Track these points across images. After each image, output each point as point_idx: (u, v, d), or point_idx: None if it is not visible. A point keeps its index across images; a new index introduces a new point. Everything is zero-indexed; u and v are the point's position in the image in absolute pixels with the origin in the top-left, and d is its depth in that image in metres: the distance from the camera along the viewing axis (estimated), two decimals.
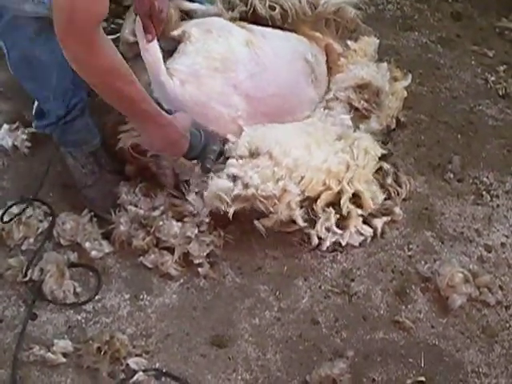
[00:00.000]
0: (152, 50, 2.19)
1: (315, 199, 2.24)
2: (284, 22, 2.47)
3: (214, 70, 2.23)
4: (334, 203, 2.26)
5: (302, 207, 2.22)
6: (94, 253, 2.22)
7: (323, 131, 2.36)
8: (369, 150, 2.35)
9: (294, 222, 2.21)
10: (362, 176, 2.31)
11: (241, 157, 2.21)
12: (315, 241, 2.23)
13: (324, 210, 2.24)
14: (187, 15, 2.39)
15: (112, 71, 1.77)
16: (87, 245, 2.22)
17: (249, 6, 2.45)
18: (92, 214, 2.30)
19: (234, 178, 2.16)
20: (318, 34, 2.56)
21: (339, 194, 2.26)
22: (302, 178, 2.21)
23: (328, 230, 2.23)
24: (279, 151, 2.20)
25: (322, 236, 2.23)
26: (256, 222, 2.19)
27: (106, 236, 2.26)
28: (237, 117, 2.26)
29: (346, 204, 2.25)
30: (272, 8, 2.44)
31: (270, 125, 2.31)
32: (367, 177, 2.33)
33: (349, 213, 2.25)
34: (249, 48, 2.29)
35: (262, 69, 2.30)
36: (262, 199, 2.14)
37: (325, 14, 2.53)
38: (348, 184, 2.26)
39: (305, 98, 2.47)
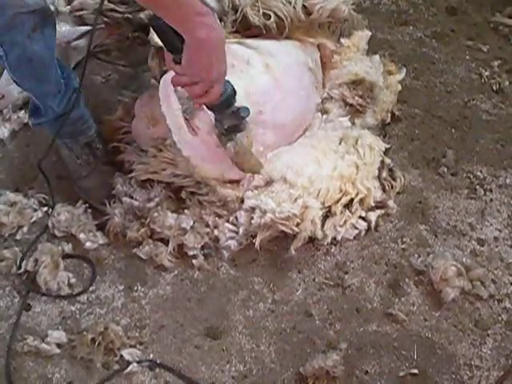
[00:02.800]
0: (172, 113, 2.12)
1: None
2: (281, 33, 2.43)
3: None
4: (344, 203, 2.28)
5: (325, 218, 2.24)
6: (88, 244, 2.22)
7: (326, 140, 2.36)
8: (373, 146, 2.36)
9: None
10: (370, 173, 2.32)
11: (256, 187, 2.22)
12: (320, 237, 2.23)
13: (341, 212, 2.26)
14: None
15: None
16: (81, 236, 2.22)
17: (239, 14, 2.40)
18: (87, 205, 2.30)
19: (253, 210, 2.17)
20: (311, 40, 2.54)
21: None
22: (319, 191, 2.21)
23: (334, 227, 2.24)
24: (292, 173, 2.19)
25: (328, 233, 2.23)
26: (291, 250, 2.19)
27: (101, 227, 2.27)
28: (264, 149, 2.23)
29: (356, 203, 2.28)
30: (267, 16, 2.39)
31: (277, 151, 2.28)
32: (374, 173, 2.34)
33: (356, 210, 2.28)
34: (268, 74, 2.26)
35: (283, 95, 2.26)
36: (281, 221, 2.15)
37: (320, 19, 2.50)
38: (361, 184, 2.28)
39: (313, 107, 2.47)
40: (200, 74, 1.79)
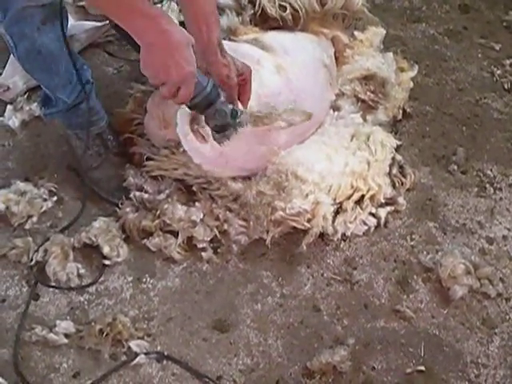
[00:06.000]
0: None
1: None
2: (296, 24, 2.46)
3: (251, 109, 2.10)
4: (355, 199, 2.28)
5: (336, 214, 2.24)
6: (108, 262, 2.19)
7: (337, 136, 2.35)
8: (385, 142, 2.36)
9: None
10: (381, 170, 2.32)
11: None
12: (331, 232, 2.23)
13: (352, 209, 2.26)
14: None
15: None
16: (106, 249, 2.18)
17: (257, 8, 2.45)
18: (97, 196, 2.31)
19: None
20: (325, 30, 2.55)
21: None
22: (331, 186, 2.21)
23: (345, 223, 2.24)
24: (303, 170, 2.18)
25: (338, 229, 2.23)
26: (302, 245, 2.19)
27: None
28: (277, 149, 2.21)
29: (367, 200, 2.28)
30: (283, 8, 2.43)
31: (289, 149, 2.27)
32: (385, 170, 2.34)
33: (367, 206, 2.28)
34: (280, 75, 2.24)
35: (295, 95, 2.25)
36: (292, 218, 2.15)
37: (334, 9, 2.53)
38: (373, 180, 2.28)
39: (327, 104, 2.47)
40: (157, 77, 1.73)
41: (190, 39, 1.72)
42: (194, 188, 2.24)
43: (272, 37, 2.38)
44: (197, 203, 2.21)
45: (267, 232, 2.18)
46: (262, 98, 2.16)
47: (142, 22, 1.65)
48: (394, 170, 2.37)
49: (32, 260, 2.14)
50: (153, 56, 1.69)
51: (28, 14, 1.96)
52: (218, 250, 2.21)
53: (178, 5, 2.81)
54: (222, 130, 1.97)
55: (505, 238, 2.34)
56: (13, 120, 2.51)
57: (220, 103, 1.91)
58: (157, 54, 1.68)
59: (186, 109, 1.98)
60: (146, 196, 2.23)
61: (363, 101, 2.49)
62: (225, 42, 2.00)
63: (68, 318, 2.05)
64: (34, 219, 2.25)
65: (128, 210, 2.23)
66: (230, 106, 1.93)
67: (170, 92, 1.75)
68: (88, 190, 2.31)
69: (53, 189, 2.32)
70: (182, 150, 2.16)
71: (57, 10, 2.01)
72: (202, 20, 1.93)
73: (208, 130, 2.04)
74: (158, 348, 2.00)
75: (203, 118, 1.99)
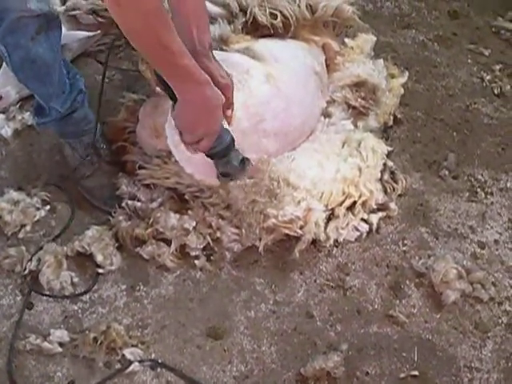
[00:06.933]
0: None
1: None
2: (287, 32, 2.47)
3: (239, 120, 2.11)
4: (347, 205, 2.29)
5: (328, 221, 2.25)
6: (102, 270, 2.19)
7: (328, 143, 2.37)
8: (376, 148, 2.37)
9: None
10: (373, 176, 2.33)
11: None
12: (323, 239, 2.24)
13: (344, 215, 2.27)
14: None
15: (156, 13, 1.62)
16: (99, 257, 2.18)
17: (248, 16, 2.46)
18: (90, 204, 2.31)
19: None
20: (316, 38, 2.56)
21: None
22: (323, 193, 2.23)
23: (337, 229, 2.25)
24: (294, 177, 2.20)
25: (330, 235, 2.24)
26: (295, 252, 2.19)
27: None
28: (267, 158, 2.22)
29: (358, 206, 2.28)
30: (273, 16, 2.44)
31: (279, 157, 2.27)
32: (376, 176, 2.35)
33: (359, 212, 2.29)
34: (269, 84, 2.24)
35: (285, 103, 2.25)
36: (284, 225, 2.16)
37: (324, 16, 2.54)
38: (364, 187, 2.29)
39: (318, 112, 2.47)
40: (186, 129, 1.89)
41: (222, 100, 1.85)
42: (187, 196, 2.24)
43: (263, 45, 2.39)
44: (189, 211, 2.22)
45: (260, 239, 2.19)
46: (250, 108, 2.17)
47: (191, 85, 1.78)
48: (386, 176, 2.39)
49: (26, 269, 2.13)
50: (187, 111, 1.83)
51: (23, 24, 1.96)
52: (211, 258, 2.22)
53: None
54: (227, 177, 2.04)
55: (496, 242, 2.35)
56: (5, 129, 2.51)
57: (234, 154, 1.99)
58: (192, 112, 1.83)
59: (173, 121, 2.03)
60: (138, 204, 2.24)
61: (354, 107, 2.50)
62: (215, 52, 2.01)
63: (62, 326, 2.05)
64: (28, 228, 2.25)
65: (121, 218, 2.24)
66: (241, 157, 2.00)
67: (192, 140, 1.88)
68: (78, 198, 2.33)
69: (46, 198, 2.32)
70: (173, 159, 2.17)
71: (51, 19, 2.02)
72: (193, 23, 1.94)
73: None
74: (152, 356, 2.00)
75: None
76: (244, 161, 2.00)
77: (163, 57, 1.70)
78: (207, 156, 1.98)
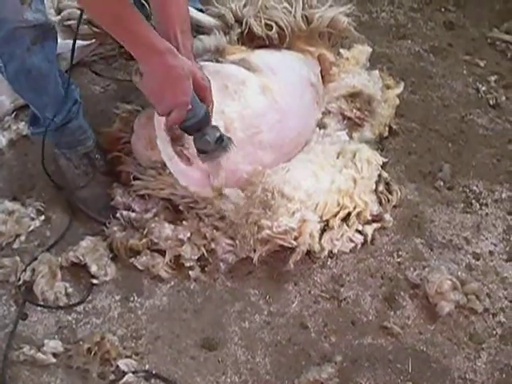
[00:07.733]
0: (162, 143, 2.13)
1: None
2: (282, 42, 2.48)
3: (234, 131, 2.14)
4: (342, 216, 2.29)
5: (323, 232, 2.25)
6: (96, 280, 2.19)
7: (323, 154, 2.37)
8: (371, 159, 2.37)
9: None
10: (367, 187, 2.33)
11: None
12: (317, 250, 2.24)
13: (339, 226, 2.27)
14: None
15: None
16: (94, 268, 2.18)
17: (244, 26, 2.47)
18: (84, 215, 2.31)
19: None
20: (312, 49, 2.57)
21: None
22: (317, 204, 2.22)
23: (331, 240, 2.25)
24: (289, 188, 2.19)
25: (325, 246, 2.24)
26: (289, 263, 2.19)
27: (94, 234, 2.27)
28: (262, 168, 2.22)
29: (353, 217, 2.29)
30: (269, 27, 2.44)
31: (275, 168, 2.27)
32: (371, 187, 2.35)
33: (353, 224, 2.29)
34: (265, 96, 2.24)
35: (281, 115, 2.26)
36: (279, 236, 2.15)
37: (320, 27, 2.54)
38: (359, 198, 2.29)
39: (313, 123, 2.48)
40: (153, 99, 1.93)
41: (191, 73, 1.88)
42: (181, 207, 2.25)
43: (259, 56, 2.39)
44: (184, 222, 2.22)
45: (254, 250, 2.18)
46: (246, 119, 2.18)
47: (152, 54, 1.82)
48: (381, 187, 2.38)
49: (20, 279, 2.13)
50: (151, 81, 1.88)
51: (19, 34, 1.97)
52: (206, 269, 2.22)
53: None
54: (204, 153, 2.04)
55: (491, 253, 2.35)
56: (0, 139, 2.51)
57: (209, 129, 2.00)
58: (156, 81, 1.87)
59: (164, 133, 2.06)
60: (133, 215, 2.24)
61: (349, 118, 2.51)
62: (210, 64, 2.02)
63: (56, 337, 2.05)
64: (22, 238, 2.25)
65: (115, 228, 2.24)
66: (218, 134, 2.00)
67: (162, 112, 1.92)
68: (72, 208, 2.34)
69: (40, 208, 2.33)
70: (168, 171, 2.17)
71: (47, 30, 2.03)
72: (177, 26, 1.97)
73: (192, 151, 2.08)
74: (147, 367, 2.00)
75: (185, 139, 2.06)
76: (222, 138, 2.02)
77: (118, 25, 1.77)
78: (182, 130, 2.01)
